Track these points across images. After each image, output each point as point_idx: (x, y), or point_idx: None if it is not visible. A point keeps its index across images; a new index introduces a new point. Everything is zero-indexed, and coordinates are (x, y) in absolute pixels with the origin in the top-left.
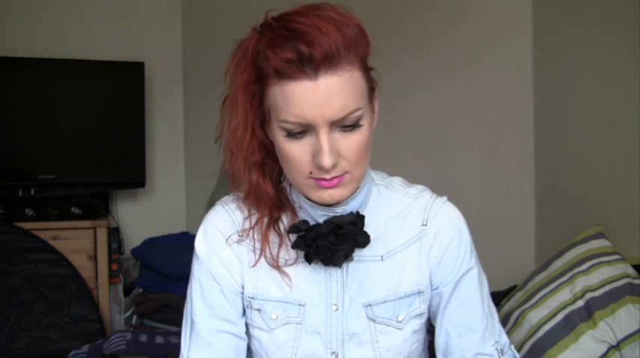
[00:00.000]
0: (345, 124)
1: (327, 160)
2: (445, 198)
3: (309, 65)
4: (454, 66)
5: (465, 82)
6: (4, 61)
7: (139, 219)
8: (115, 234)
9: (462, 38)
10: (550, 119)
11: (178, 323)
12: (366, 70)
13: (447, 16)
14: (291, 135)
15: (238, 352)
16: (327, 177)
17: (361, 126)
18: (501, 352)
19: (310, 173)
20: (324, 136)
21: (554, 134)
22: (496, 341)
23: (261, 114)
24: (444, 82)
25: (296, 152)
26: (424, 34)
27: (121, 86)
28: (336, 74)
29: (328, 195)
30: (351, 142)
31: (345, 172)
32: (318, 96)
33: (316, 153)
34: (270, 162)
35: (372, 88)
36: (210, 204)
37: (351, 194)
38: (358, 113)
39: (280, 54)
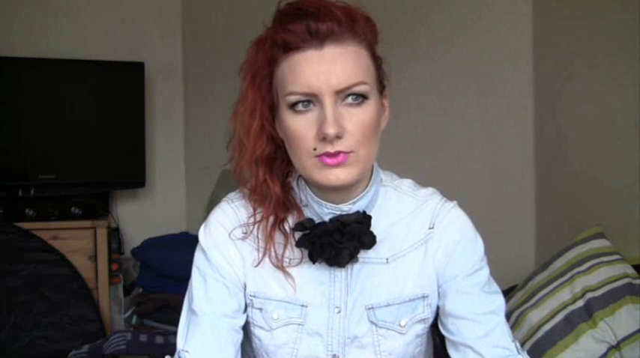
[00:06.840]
0: (351, 97)
1: (330, 128)
2: (455, 202)
3: (316, 36)
4: (454, 67)
5: (464, 82)
6: (4, 60)
7: (139, 219)
8: (115, 234)
9: (463, 38)
10: (550, 118)
11: (178, 323)
12: (374, 56)
13: (448, 18)
14: (297, 109)
15: (235, 344)
16: (331, 150)
17: (367, 103)
18: (518, 350)
19: (315, 149)
20: (328, 106)
21: (554, 133)
22: (513, 340)
23: (270, 100)
24: (444, 83)
25: (301, 127)
26: (424, 34)
27: (121, 86)
28: (341, 46)
29: (334, 175)
30: (356, 118)
31: (351, 151)
32: (324, 64)
33: (321, 124)
34: (279, 160)
35: (380, 80)
36: (211, 205)
37: (358, 177)
38: (363, 87)
39: (288, 26)
